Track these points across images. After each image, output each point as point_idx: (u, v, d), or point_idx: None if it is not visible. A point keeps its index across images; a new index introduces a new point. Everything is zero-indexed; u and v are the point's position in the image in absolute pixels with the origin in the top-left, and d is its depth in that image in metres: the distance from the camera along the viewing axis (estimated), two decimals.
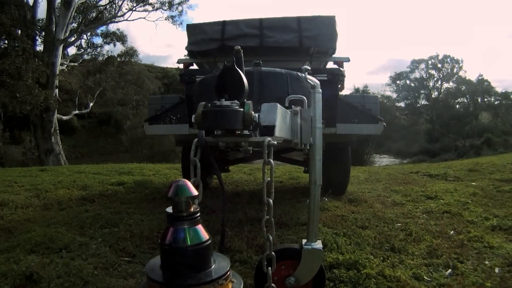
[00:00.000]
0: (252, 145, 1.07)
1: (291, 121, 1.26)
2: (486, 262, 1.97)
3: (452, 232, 2.50)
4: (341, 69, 3.03)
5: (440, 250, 2.10)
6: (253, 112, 0.99)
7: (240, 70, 1.00)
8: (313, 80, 1.30)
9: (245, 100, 0.99)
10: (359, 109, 2.96)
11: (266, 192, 1.04)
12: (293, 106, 1.29)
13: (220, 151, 1.06)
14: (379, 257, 1.92)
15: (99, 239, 2.16)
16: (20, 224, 2.62)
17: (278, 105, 1.13)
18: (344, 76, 2.89)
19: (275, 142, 1.03)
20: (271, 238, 1.10)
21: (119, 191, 3.80)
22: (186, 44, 3.39)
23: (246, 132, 0.99)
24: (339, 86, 2.91)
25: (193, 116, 0.95)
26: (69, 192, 3.76)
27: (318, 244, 1.31)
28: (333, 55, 3.39)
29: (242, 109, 0.97)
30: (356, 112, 2.93)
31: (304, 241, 1.33)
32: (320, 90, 1.26)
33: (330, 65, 3.61)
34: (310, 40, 3.10)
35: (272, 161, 1.02)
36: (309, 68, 1.28)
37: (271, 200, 1.05)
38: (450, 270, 1.84)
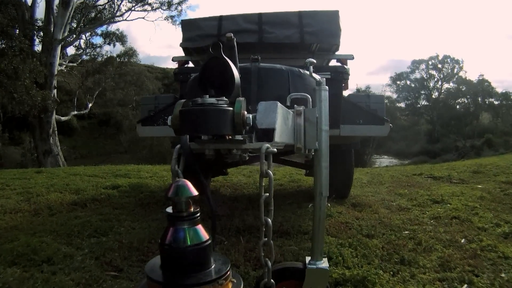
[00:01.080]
0: (246, 152, 0.89)
1: (293, 123, 1.08)
2: (503, 275, 1.82)
3: (463, 241, 2.36)
4: (346, 67, 2.87)
5: (453, 261, 1.95)
6: (246, 112, 0.80)
7: (232, 60, 0.82)
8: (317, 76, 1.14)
9: (237, 97, 0.80)
10: (364, 110, 2.80)
11: (263, 209, 0.86)
12: (295, 105, 1.11)
13: (217, 153, 0.87)
14: (388, 272, 1.76)
15: (85, 250, 2.01)
16: (6, 231, 2.48)
17: (279, 103, 0.96)
18: (349, 75, 2.73)
19: (275, 150, 0.85)
20: (269, 264, 0.93)
21: (113, 195, 3.66)
22: (181, 41, 3.24)
23: (238, 137, 0.81)
24: (343, 85, 2.75)
25: (169, 118, 0.79)
26: (61, 196, 3.63)
27: (324, 263, 1.15)
28: (337, 52, 3.24)
29: (231, 108, 0.77)
30: (361, 113, 2.77)
31: (308, 258, 1.17)
32: (327, 87, 1.09)
33: (333, 63, 3.46)
34: (312, 36, 2.95)
35: (271, 172, 0.84)
36: (314, 61, 1.10)
37: (269, 220, 0.87)
38: (466, 286, 1.69)
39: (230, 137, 0.81)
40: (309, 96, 1.16)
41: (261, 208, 0.87)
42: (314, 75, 1.10)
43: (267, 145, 0.84)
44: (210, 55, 0.81)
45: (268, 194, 0.87)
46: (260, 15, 3.06)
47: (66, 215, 2.89)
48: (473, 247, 2.20)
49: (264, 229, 0.89)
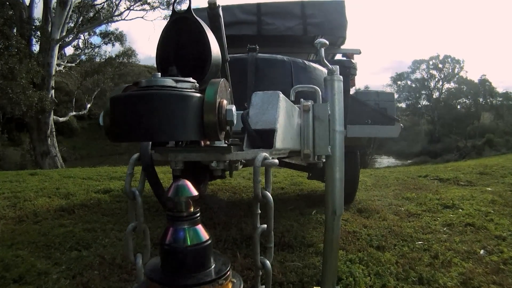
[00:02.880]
0: (237, 163, 0.64)
1: (299, 122, 0.82)
2: None
3: (482, 252, 2.16)
4: (353, 61, 2.65)
5: (476, 278, 1.74)
6: (226, 102, 0.50)
7: (216, 34, 0.57)
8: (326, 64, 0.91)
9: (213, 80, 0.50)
10: (373, 108, 2.58)
11: (259, 247, 0.60)
12: (302, 100, 0.86)
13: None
14: None
15: (62, 266, 1.79)
16: None
17: (281, 94, 0.71)
18: (356, 70, 2.51)
19: (276, 161, 0.59)
20: None
21: (103, 200, 3.45)
22: None
23: (220, 142, 0.55)
24: (350, 81, 2.53)
25: (101, 114, 0.56)
26: (49, 202, 3.44)
27: None
28: (342, 46, 3.01)
29: (198, 95, 0.48)
30: (370, 112, 2.54)
31: None
32: (341, 77, 0.85)
33: (339, 57, 3.24)
34: (316, 27, 2.73)
35: (269, 194, 0.57)
36: (326, 42, 0.87)
37: (268, 262, 0.61)
38: None
39: (208, 142, 0.56)
40: (319, 89, 0.89)
41: (256, 246, 0.60)
42: (324, 60, 0.87)
43: (265, 154, 0.58)
44: (175, 14, 0.55)
45: (266, 226, 0.59)
46: (259, 5, 2.84)
47: (50, 223, 2.68)
48: (495, 260, 2.01)
49: (260, 274, 0.64)
